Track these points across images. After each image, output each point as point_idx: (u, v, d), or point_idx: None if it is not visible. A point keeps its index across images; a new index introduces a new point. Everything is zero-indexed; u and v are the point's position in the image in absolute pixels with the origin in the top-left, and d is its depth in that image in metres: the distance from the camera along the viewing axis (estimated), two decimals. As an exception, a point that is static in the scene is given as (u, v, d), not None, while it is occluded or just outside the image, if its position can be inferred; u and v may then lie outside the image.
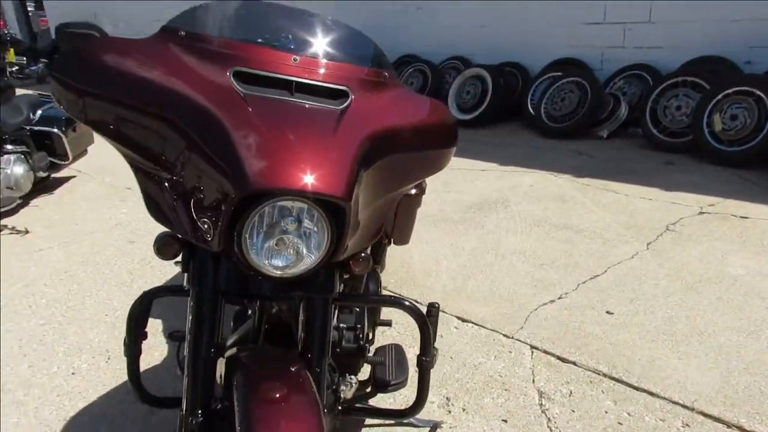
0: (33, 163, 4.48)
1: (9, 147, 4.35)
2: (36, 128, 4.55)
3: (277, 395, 1.24)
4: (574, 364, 2.29)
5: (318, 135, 1.26)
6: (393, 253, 3.31)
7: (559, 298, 2.77)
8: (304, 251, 1.27)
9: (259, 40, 1.41)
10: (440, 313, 2.55)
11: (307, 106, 1.32)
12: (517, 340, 2.46)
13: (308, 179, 1.18)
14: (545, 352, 2.37)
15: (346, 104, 1.34)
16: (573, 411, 2.04)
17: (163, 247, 1.34)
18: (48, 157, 4.62)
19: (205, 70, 1.31)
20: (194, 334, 1.36)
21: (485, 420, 2.02)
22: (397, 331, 2.58)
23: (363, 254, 1.50)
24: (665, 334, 2.46)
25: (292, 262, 1.28)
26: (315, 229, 1.26)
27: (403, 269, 3.15)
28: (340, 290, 1.52)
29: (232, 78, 1.28)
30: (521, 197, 4.17)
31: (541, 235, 3.50)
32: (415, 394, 1.69)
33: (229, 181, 1.16)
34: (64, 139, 4.64)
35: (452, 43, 7.34)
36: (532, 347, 2.40)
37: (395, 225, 2.62)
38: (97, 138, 1.98)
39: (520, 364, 2.30)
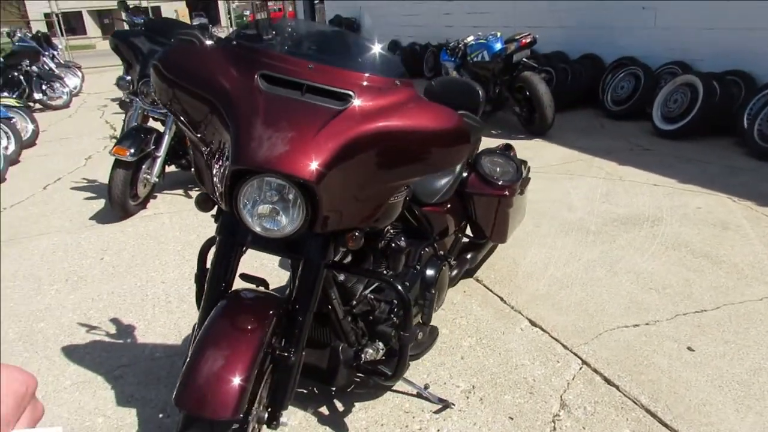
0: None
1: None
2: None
3: (228, 322, 1.63)
4: (617, 388, 2.24)
5: (307, 127, 1.58)
6: (506, 252, 3.43)
7: (646, 324, 2.65)
8: (284, 219, 1.62)
9: (285, 49, 1.77)
10: (513, 313, 2.68)
11: (311, 104, 1.63)
12: (572, 352, 2.46)
13: (284, 161, 1.53)
14: (594, 370, 2.34)
15: (347, 105, 1.62)
16: (583, 428, 2.05)
17: (200, 203, 1.81)
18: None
19: (242, 72, 1.71)
20: (212, 272, 1.81)
21: (494, 413, 2.14)
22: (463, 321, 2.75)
23: (357, 233, 1.78)
24: (739, 384, 2.23)
25: (279, 227, 1.63)
26: (292, 202, 1.59)
27: (508, 268, 3.26)
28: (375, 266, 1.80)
29: (258, 78, 1.66)
30: (678, 218, 3.86)
31: (671, 260, 3.26)
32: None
33: (230, 157, 1.56)
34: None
35: (674, 46, 6.74)
36: (584, 362, 2.39)
37: (493, 224, 2.79)
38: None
39: (560, 375, 2.33)
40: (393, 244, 2.17)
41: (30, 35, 13.36)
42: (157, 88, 1.80)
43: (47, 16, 22.89)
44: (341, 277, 2.03)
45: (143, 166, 4.54)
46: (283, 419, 1.77)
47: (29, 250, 4.06)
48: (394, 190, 1.82)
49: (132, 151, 4.24)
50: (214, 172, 1.70)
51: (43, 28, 21.31)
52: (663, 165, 5.07)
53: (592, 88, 7.39)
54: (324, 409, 2.22)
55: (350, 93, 1.65)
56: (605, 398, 2.19)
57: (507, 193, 2.75)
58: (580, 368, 2.36)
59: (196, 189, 5.02)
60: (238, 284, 1.87)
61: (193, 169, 1.86)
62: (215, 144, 1.70)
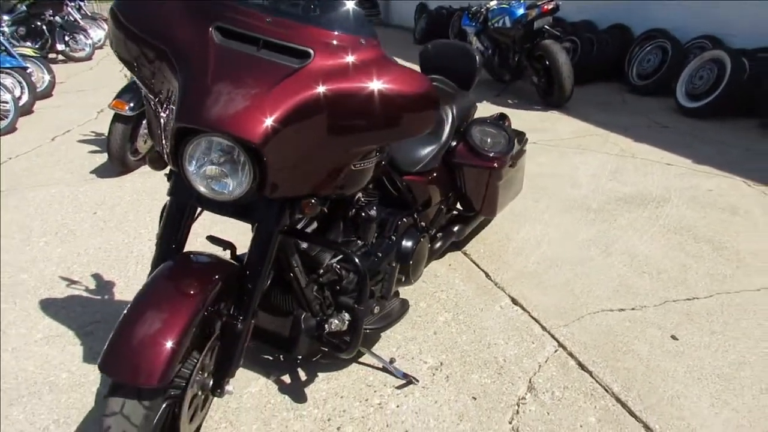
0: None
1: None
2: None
3: (167, 285, 1.58)
4: (590, 374, 2.15)
5: (259, 85, 1.48)
6: (499, 226, 3.32)
7: (632, 309, 2.53)
8: (231, 181, 1.54)
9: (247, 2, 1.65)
10: (496, 290, 2.58)
11: (266, 61, 1.53)
12: (549, 334, 2.37)
13: (229, 121, 1.45)
14: (569, 353, 2.26)
15: (304, 64, 1.51)
16: (548, 414, 1.97)
17: (153, 161, 1.74)
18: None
19: (197, 23, 1.60)
20: (161, 233, 1.75)
21: (457, 392, 2.08)
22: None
23: (314, 200, 1.70)
24: (719, 377, 2.12)
25: (227, 190, 1.55)
26: (240, 164, 1.50)
27: (499, 243, 3.16)
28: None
29: (213, 31, 1.56)
30: (685, 200, 3.69)
31: (670, 243, 3.12)
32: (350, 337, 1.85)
33: (174, 113, 1.48)
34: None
35: (710, 19, 6.39)
36: (560, 345, 2.31)
37: (482, 197, 2.68)
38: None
39: (533, 357, 2.24)
40: (363, 213, 2.08)
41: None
42: (113, 36, 1.72)
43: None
44: (304, 245, 1.95)
45: (144, 121, 4.50)
46: (228, 387, 1.72)
47: (27, 200, 4.08)
48: (354, 156, 1.72)
49: (131, 105, 4.18)
50: (162, 129, 1.62)
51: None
52: (680, 144, 4.85)
53: (619, 60, 7.08)
54: (286, 377, 2.18)
55: (309, 50, 1.55)
56: (576, 384, 2.10)
57: (496, 165, 2.63)
58: (555, 351, 2.28)
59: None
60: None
61: (144, 125, 1.79)
62: (164, 99, 1.62)
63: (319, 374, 2.19)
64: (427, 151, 2.48)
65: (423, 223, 2.57)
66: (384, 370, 2.19)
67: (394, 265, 2.05)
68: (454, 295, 2.68)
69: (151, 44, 1.61)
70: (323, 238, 1.98)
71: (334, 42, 1.59)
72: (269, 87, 1.50)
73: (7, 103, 6.09)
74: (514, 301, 2.62)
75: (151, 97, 1.69)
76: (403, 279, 2.40)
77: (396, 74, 1.67)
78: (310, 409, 2.03)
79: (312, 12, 1.68)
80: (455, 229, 2.88)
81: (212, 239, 2.18)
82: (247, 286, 1.71)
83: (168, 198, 1.75)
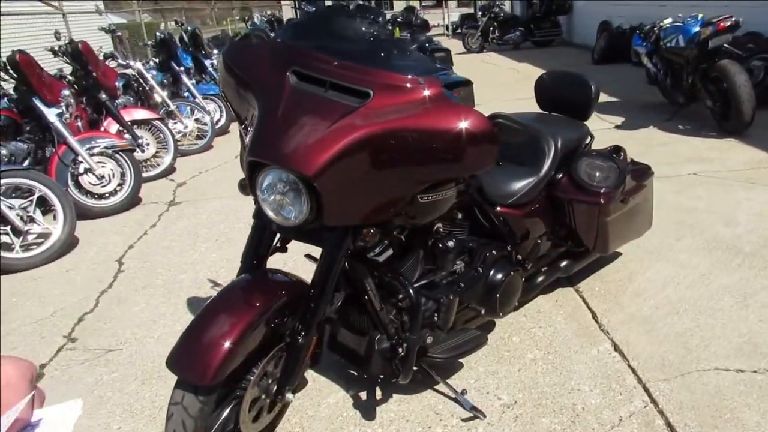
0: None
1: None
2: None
3: (236, 295, 1.79)
4: (677, 436, 1.95)
5: (320, 123, 1.66)
6: (624, 263, 3.11)
7: (754, 371, 2.23)
8: (293, 209, 1.72)
9: (317, 45, 1.82)
10: (598, 332, 2.46)
11: (329, 100, 1.70)
12: (643, 387, 2.19)
13: (288, 155, 1.64)
14: (660, 411, 2.07)
15: (363, 103, 1.66)
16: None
17: (242, 187, 1.99)
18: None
19: (278, 67, 1.82)
20: (244, 251, 1.99)
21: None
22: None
23: (372, 230, 1.83)
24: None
25: (290, 216, 1.74)
26: (298, 194, 1.68)
27: (618, 282, 2.96)
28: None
29: (290, 75, 1.77)
30: None
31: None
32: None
33: (248, 148, 1.72)
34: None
35: None
36: (652, 400, 2.12)
37: (591, 234, 2.60)
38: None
39: (616, 409, 2.10)
40: (440, 244, 2.14)
41: (265, 19, 15.04)
42: (220, 77, 2.00)
43: None
44: (377, 272, 2.06)
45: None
46: (289, 395, 1.89)
47: (201, 210, 4.75)
48: (411, 188, 1.79)
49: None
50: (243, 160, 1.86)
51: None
52: None
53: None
54: (363, 394, 2.30)
55: (368, 91, 1.67)
56: (658, 447, 1.93)
57: (602, 200, 2.50)
58: (644, 406, 2.10)
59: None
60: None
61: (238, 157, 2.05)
62: (246, 134, 1.87)
63: (394, 395, 2.27)
64: (522, 183, 2.45)
65: (519, 257, 2.54)
66: (455, 400, 2.21)
67: (452, 297, 2.06)
68: (551, 333, 2.59)
69: (244, 83, 1.86)
70: (374, 264, 2.04)
71: (393, 82, 1.70)
72: (329, 125, 1.65)
73: (206, 124, 7.09)
74: (616, 347, 2.45)
75: (242, 131, 1.95)
76: (489, 312, 2.40)
77: (451, 112, 1.73)
78: (375, 427, 2.13)
79: (375, 55, 1.81)
80: (563, 264, 2.78)
81: (308, 257, 2.41)
82: (309, 305, 1.87)
83: (253, 220, 1.99)
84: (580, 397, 2.18)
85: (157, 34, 7.92)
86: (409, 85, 1.71)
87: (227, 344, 1.65)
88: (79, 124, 5.36)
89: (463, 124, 1.74)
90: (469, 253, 2.41)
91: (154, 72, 7.41)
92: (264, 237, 1.99)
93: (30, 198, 4.08)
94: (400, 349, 2.04)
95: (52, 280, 3.73)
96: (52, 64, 6.42)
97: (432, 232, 2.16)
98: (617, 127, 6.06)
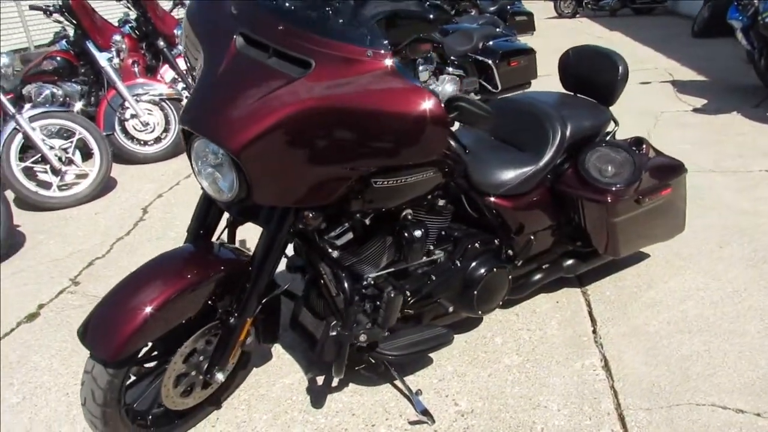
0: (463, 86, 5.33)
1: (450, 69, 5.29)
2: (476, 56, 5.33)
3: (163, 266, 1.71)
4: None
5: (253, 93, 1.53)
6: (648, 267, 2.79)
7: (756, 414, 1.92)
8: (223, 184, 1.60)
9: (270, 5, 1.65)
10: (590, 343, 2.22)
11: (269, 69, 1.55)
12: (618, 414, 1.95)
13: (212, 126, 1.53)
14: (629, 445, 1.82)
15: (303, 74, 1.51)
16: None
17: None
18: (477, 83, 5.38)
19: (227, 28, 1.68)
20: (192, 219, 1.90)
21: (467, 447, 1.86)
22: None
23: (312, 213, 1.69)
24: None
25: (223, 191, 1.63)
26: (229, 168, 1.56)
27: (634, 288, 2.66)
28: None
29: (237, 38, 1.63)
30: None
31: None
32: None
33: (181, 113, 1.62)
34: (495, 71, 5.29)
35: None
36: (625, 430, 1.88)
37: (600, 234, 2.34)
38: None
39: (580, 435, 1.87)
40: (405, 232, 1.96)
41: None
42: (181, 35, 1.89)
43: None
44: (335, 254, 1.92)
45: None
46: (218, 375, 1.82)
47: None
48: (349, 172, 1.62)
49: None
50: None
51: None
52: None
53: None
54: (320, 378, 2.20)
55: (310, 61, 1.51)
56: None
57: (609, 198, 2.20)
58: (613, 437, 1.87)
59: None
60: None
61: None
62: None
63: (351, 385, 2.16)
64: (517, 171, 2.20)
65: (510, 252, 2.31)
66: (409, 399, 2.07)
67: (393, 294, 1.88)
68: (538, 338, 2.36)
69: (197, 43, 1.73)
70: (323, 252, 1.90)
71: (338, 53, 1.52)
72: (263, 96, 1.51)
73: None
74: (604, 363, 2.20)
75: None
76: (465, 309, 2.22)
77: (399, 91, 1.55)
78: (318, 416, 2.03)
79: (323, 20, 1.63)
80: (566, 263, 2.52)
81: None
82: (245, 285, 1.77)
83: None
84: (543, 415, 1.97)
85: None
86: (354, 57, 1.53)
87: (139, 319, 1.59)
88: (136, 69, 5.46)
89: (409, 106, 1.55)
90: (453, 243, 2.22)
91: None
92: (212, 207, 1.89)
93: (71, 140, 4.21)
94: (355, 339, 1.92)
95: (80, 222, 3.86)
96: (118, 10, 6.58)
97: (399, 219, 1.99)
98: (696, 110, 5.45)
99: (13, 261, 3.32)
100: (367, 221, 1.96)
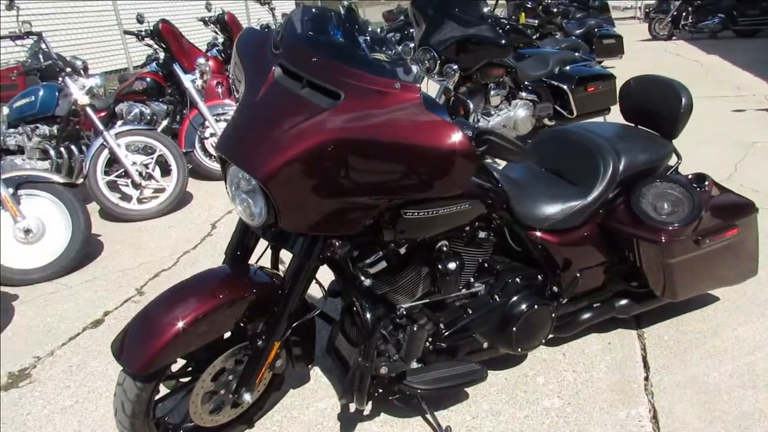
0: (536, 111, 5.21)
1: (523, 94, 5.19)
2: (551, 81, 5.19)
3: (197, 287, 1.77)
4: None
5: (283, 123, 1.57)
6: (715, 311, 2.59)
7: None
8: (254, 209, 1.65)
9: (309, 40, 1.69)
10: (639, 391, 2.11)
11: (302, 99, 1.59)
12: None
13: (241, 154, 1.59)
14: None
15: (333, 105, 1.54)
16: None
17: None
18: (552, 108, 5.23)
19: (269, 60, 1.74)
20: (230, 241, 1.96)
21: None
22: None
23: (339, 241, 1.70)
24: None
25: (253, 217, 1.68)
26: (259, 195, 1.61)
27: (697, 333, 2.47)
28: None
29: (275, 69, 1.69)
30: None
31: None
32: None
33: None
34: (570, 96, 5.13)
35: None
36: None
37: (656, 275, 2.22)
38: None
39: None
40: (439, 264, 1.93)
41: None
42: (231, 61, 1.98)
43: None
44: (367, 282, 1.91)
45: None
46: (246, 396, 1.86)
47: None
48: (375, 203, 1.62)
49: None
50: None
51: None
52: None
53: None
54: (352, 407, 2.18)
55: (339, 92, 1.54)
56: None
57: (663, 239, 2.07)
58: None
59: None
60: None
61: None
62: None
63: (382, 415, 2.14)
64: (564, 206, 2.12)
65: (555, 289, 2.22)
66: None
67: (416, 328, 1.85)
68: (583, 381, 2.24)
69: (242, 71, 1.80)
70: (343, 280, 1.91)
71: (367, 85, 1.54)
72: (293, 125, 1.55)
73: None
74: (653, 415, 2.05)
75: None
76: (503, 345, 2.14)
77: (426, 124, 1.54)
78: (346, 445, 2.01)
79: (354, 52, 1.65)
80: (619, 303, 2.38)
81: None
82: (274, 309, 1.80)
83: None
84: None
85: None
86: (383, 89, 1.54)
87: (169, 335, 1.64)
88: (219, 90, 5.75)
89: (436, 139, 1.54)
90: (495, 276, 2.16)
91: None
92: (248, 230, 1.94)
93: (152, 156, 4.48)
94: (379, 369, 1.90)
95: (153, 234, 4.09)
96: (208, 34, 6.97)
97: (435, 250, 1.96)
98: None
99: (89, 269, 3.56)
100: (402, 251, 1.94)
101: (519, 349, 2.16)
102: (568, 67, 5.28)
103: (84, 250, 3.52)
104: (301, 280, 1.79)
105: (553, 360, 2.38)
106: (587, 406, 2.11)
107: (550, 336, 2.22)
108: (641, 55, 10.65)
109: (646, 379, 2.24)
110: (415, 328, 1.84)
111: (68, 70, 4.19)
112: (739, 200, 2.29)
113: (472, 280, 2.15)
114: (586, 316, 2.34)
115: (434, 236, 1.91)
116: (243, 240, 1.95)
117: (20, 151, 4.32)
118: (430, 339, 2.03)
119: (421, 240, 1.89)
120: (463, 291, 2.10)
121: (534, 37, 8.38)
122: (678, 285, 2.22)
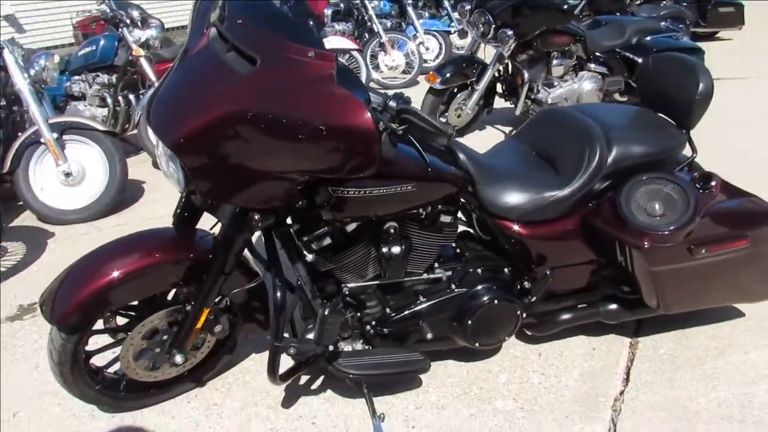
0: (605, 85, 4.78)
1: (592, 65, 4.78)
2: (624, 53, 4.72)
3: (136, 243, 1.80)
4: None
5: (204, 88, 1.54)
6: (727, 331, 2.31)
7: None
8: (177, 175, 1.64)
9: (236, 2, 1.61)
10: (605, 407, 1.95)
11: (225, 64, 1.54)
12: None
13: (159, 119, 1.57)
14: None
15: (249, 72, 1.48)
16: None
17: None
18: (623, 83, 4.77)
19: (206, 20, 1.70)
20: (176, 207, 1.95)
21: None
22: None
23: (258, 215, 1.65)
24: None
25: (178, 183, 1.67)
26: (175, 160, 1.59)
27: (700, 352, 2.19)
28: None
29: (211, 31, 1.65)
30: None
31: None
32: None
33: None
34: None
35: None
36: None
37: (647, 284, 2.01)
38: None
39: None
40: (384, 246, 1.83)
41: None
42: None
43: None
44: (309, 257, 1.85)
45: (459, 95, 4.63)
46: (177, 357, 1.88)
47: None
48: (285, 179, 1.54)
49: (440, 79, 4.37)
50: None
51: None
52: None
53: None
54: (304, 379, 2.15)
55: (256, 58, 1.46)
56: None
57: (645, 243, 1.82)
58: None
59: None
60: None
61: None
62: None
63: (329, 391, 2.09)
64: (534, 196, 1.93)
65: (527, 284, 2.04)
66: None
67: (327, 312, 1.77)
68: (548, 387, 2.06)
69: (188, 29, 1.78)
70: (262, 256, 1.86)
71: (282, 51, 1.45)
72: (210, 91, 1.51)
73: (414, 60, 7.04)
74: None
75: None
76: (458, 337, 2.02)
77: (333, 100, 1.45)
78: (281, 417, 1.99)
79: (275, 17, 1.56)
80: (606, 308, 2.16)
81: None
82: (202, 276, 1.79)
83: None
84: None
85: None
86: (297, 57, 1.44)
87: (91, 290, 1.69)
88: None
89: (339, 115, 1.43)
90: (462, 265, 2.03)
91: (382, 1, 7.51)
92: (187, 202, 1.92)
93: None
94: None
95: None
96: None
97: (382, 232, 1.85)
98: None
99: (122, 214, 3.74)
100: (350, 229, 1.86)
101: (476, 344, 2.02)
102: (648, 38, 4.78)
103: (119, 197, 3.71)
104: (228, 250, 1.76)
105: (524, 358, 2.21)
106: (541, 414, 1.95)
107: (530, 333, 2.08)
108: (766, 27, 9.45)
109: (621, 393, 2.03)
110: (326, 312, 1.76)
111: (127, 21, 4.36)
112: (758, 207, 1.97)
113: (437, 265, 2.02)
114: (566, 317, 2.15)
115: (383, 217, 1.81)
116: (189, 203, 1.93)
117: (83, 97, 4.58)
118: (373, 323, 1.95)
119: (365, 219, 1.80)
120: (424, 276, 1.99)
121: (636, 1, 7.68)
122: (668, 296, 1.97)
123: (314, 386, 2.12)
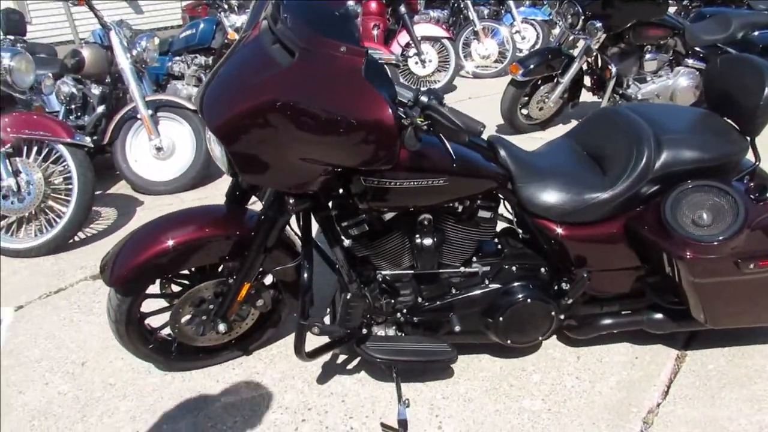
0: (701, 82, 4.47)
1: (690, 61, 4.50)
2: (727, 48, 4.40)
3: (193, 217, 1.97)
4: None
5: (248, 77, 1.65)
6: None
7: None
8: (223, 159, 1.77)
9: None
10: (637, 418, 1.93)
11: (268, 55, 1.65)
12: None
13: (207, 105, 1.70)
14: None
15: (288, 64, 1.58)
16: None
17: None
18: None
19: (259, 12, 1.82)
20: (229, 186, 2.09)
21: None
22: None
23: (293, 199, 1.76)
24: None
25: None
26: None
27: (750, 370, 2.06)
28: None
29: (263, 21, 1.76)
30: None
31: None
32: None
33: None
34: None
35: None
36: None
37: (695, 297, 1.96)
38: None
39: None
40: (417, 238, 1.88)
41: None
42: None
43: None
44: (346, 242, 1.94)
45: (543, 88, 4.52)
46: (220, 326, 2.03)
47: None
48: (314, 166, 1.62)
49: (522, 70, 4.29)
50: None
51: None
52: None
53: None
54: (342, 357, 2.25)
55: (294, 52, 1.56)
56: None
57: (688, 254, 1.74)
58: None
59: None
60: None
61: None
62: None
63: (362, 372, 2.18)
64: (574, 197, 1.89)
65: (564, 285, 2.01)
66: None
67: (350, 296, 1.84)
68: (580, 391, 2.03)
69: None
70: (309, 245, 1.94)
71: (316, 45, 1.53)
72: (252, 81, 1.62)
73: (508, 49, 6.92)
74: (638, 445, 1.81)
75: None
76: (490, 332, 2.04)
77: (357, 95, 1.54)
78: (313, 392, 2.10)
79: (315, 12, 1.63)
80: (650, 317, 2.08)
81: None
82: (244, 253, 1.92)
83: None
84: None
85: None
86: (329, 51, 1.51)
87: (144, 257, 1.86)
88: (375, 32, 5.90)
89: (362, 111, 1.49)
90: (500, 261, 2.04)
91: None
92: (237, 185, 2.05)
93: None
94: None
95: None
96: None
97: (417, 223, 1.90)
98: None
99: (205, 188, 4.02)
100: (387, 218, 1.92)
101: (508, 341, 2.03)
102: (756, 33, 4.42)
103: (203, 172, 3.98)
104: (267, 229, 1.87)
105: (562, 360, 2.18)
106: (567, 417, 1.93)
107: (570, 336, 2.06)
108: None
109: (658, 406, 1.96)
110: (348, 296, 1.83)
111: (225, 6, 4.62)
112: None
113: (474, 259, 2.04)
114: (607, 322, 2.09)
115: (419, 209, 1.86)
116: (238, 183, 2.06)
117: (183, 77, 4.91)
118: (404, 310, 2.01)
119: (399, 209, 1.85)
120: (460, 269, 2.02)
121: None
122: (714, 311, 1.87)
123: (350, 366, 2.21)
